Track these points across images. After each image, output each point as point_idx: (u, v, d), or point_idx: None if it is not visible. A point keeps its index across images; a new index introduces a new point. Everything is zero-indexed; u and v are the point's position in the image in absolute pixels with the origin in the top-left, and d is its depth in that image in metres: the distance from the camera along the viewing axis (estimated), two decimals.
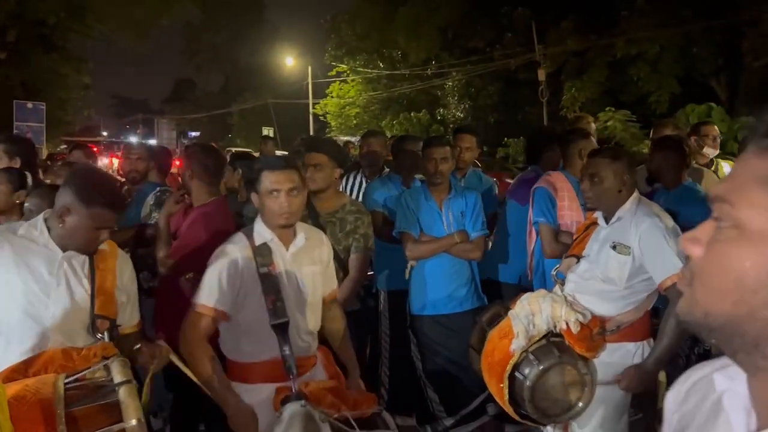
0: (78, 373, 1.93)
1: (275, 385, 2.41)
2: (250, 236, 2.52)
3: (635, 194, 2.85)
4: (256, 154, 8.79)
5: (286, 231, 2.56)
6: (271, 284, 2.43)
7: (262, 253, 2.46)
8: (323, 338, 2.78)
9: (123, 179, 4.56)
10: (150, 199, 4.00)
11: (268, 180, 2.47)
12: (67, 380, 1.88)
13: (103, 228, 2.22)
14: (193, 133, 42.86)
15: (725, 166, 4.63)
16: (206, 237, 3.13)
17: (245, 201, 4.33)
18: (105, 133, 41.61)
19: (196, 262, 2.75)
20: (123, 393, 1.82)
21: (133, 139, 31.88)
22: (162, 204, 3.66)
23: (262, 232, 2.53)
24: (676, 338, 2.62)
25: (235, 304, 2.46)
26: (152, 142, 36.85)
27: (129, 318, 2.43)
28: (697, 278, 0.68)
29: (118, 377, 1.86)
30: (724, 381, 0.76)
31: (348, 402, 2.42)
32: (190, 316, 2.46)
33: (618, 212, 2.81)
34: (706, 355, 3.16)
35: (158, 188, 4.17)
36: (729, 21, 17.17)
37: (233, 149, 23.17)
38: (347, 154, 4.74)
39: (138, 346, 2.36)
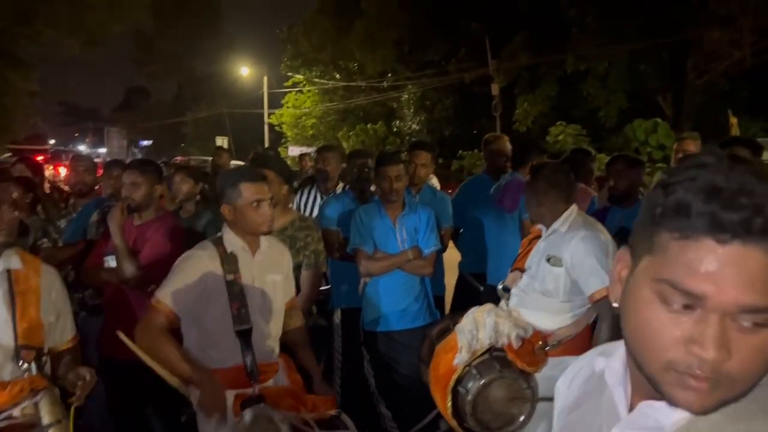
0: (6, 410, 1.83)
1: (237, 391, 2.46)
2: (219, 244, 2.57)
3: (572, 208, 2.92)
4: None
5: (254, 239, 2.64)
6: (236, 291, 2.50)
7: (230, 260, 2.53)
8: (283, 346, 2.83)
9: (69, 191, 4.45)
10: (95, 216, 3.91)
11: (250, 191, 2.54)
12: None
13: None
14: (145, 143, 41.98)
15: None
16: (177, 246, 3.15)
17: (192, 215, 4.28)
18: (52, 142, 40.37)
19: (165, 272, 2.73)
20: None
21: (82, 148, 31.06)
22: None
23: (232, 240, 2.58)
24: None
25: (197, 310, 2.50)
26: (102, 151, 35.92)
27: (61, 335, 2.34)
28: (726, 384, 0.71)
29: (46, 418, 1.80)
30: (601, 361, 0.87)
31: (307, 405, 2.48)
32: (148, 311, 2.50)
33: (554, 225, 2.89)
34: None
35: (105, 203, 4.08)
36: (673, 40, 17.83)
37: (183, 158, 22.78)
38: (292, 169, 4.72)
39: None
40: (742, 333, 0.70)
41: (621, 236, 3.36)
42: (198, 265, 2.51)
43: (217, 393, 2.38)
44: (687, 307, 0.71)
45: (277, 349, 2.70)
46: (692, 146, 4.49)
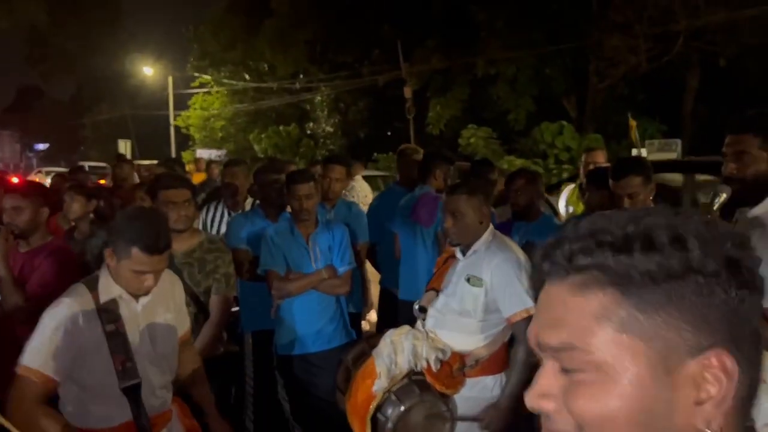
0: None
1: None
2: (93, 289, 2.24)
3: (490, 228, 2.92)
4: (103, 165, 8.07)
5: None
6: (119, 343, 2.20)
7: (109, 308, 2.21)
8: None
9: None
10: None
11: (140, 261, 2.17)
12: None
13: None
14: (41, 146, 39.65)
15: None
16: (68, 274, 2.87)
17: (88, 236, 3.99)
18: None
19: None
20: None
21: None
22: None
23: (109, 286, 2.25)
24: (526, 371, 2.70)
25: (73, 368, 2.18)
26: None
27: None
28: None
29: None
30: None
31: None
32: (16, 381, 2.15)
33: (474, 245, 2.87)
34: None
35: None
36: (576, 45, 18.62)
37: (87, 164, 21.62)
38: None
39: None
40: (581, 386, 0.65)
41: (526, 250, 3.39)
42: (68, 316, 2.17)
43: None
44: None
45: (170, 397, 2.45)
46: (600, 157, 4.67)
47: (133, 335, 2.27)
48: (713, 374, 0.63)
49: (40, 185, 3.46)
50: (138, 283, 2.23)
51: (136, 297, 2.30)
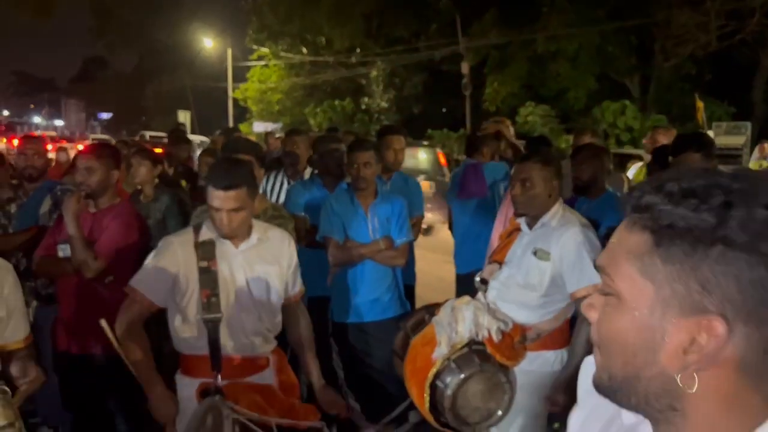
0: None
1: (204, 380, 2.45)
2: (197, 231, 2.56)
3: (560, 201, 2.85)
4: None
5: None
6: (208, 279, 2.44)
7: (205, 248, 2.49)
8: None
9: (17, 176, 4.12)
10: (47, 203, 3.68)
11: (211, 196, 2.46)
12: None
13: None
14: (104, 115, 40.94)
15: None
16: (135, 235, 3.13)
17: (152, 200, 4.10)
18: (6, 113, 38.88)
19: (122, 263, 2.87)
20: None
21: (38, 120, 30.17)
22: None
23: (209, 229, 2.55)
24: (587, 351, 2.61)
25: (174, 296, 2.49)
26: (59, 123, 34.84)
27: (12, 333, 2.21)
28: (597, 344, 0.79)
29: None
30: (631, 416, 0.84)
31: (282, 407, 2.44)
32: (126, 299, 2.52)
33: (542, 218, 2.81)
34: None
35: (58, 186, 3.84)
36: (641, 22, 17.93)
37: (147, 134, 22.26)
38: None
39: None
40: (606, 304, 0.78)
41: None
42: (169, 250, 2.51)
43: (166, 405, 2.46)
44: None
45: (264, 345, 2.61)
46: (663, 138, 4.50)
47: (228, 275, 2.50)
48: (704, 336, 0.70)
49: (113, 148, 3.55)
50: (217, 221, 2.46)
51: (235, 242, 2.53)
